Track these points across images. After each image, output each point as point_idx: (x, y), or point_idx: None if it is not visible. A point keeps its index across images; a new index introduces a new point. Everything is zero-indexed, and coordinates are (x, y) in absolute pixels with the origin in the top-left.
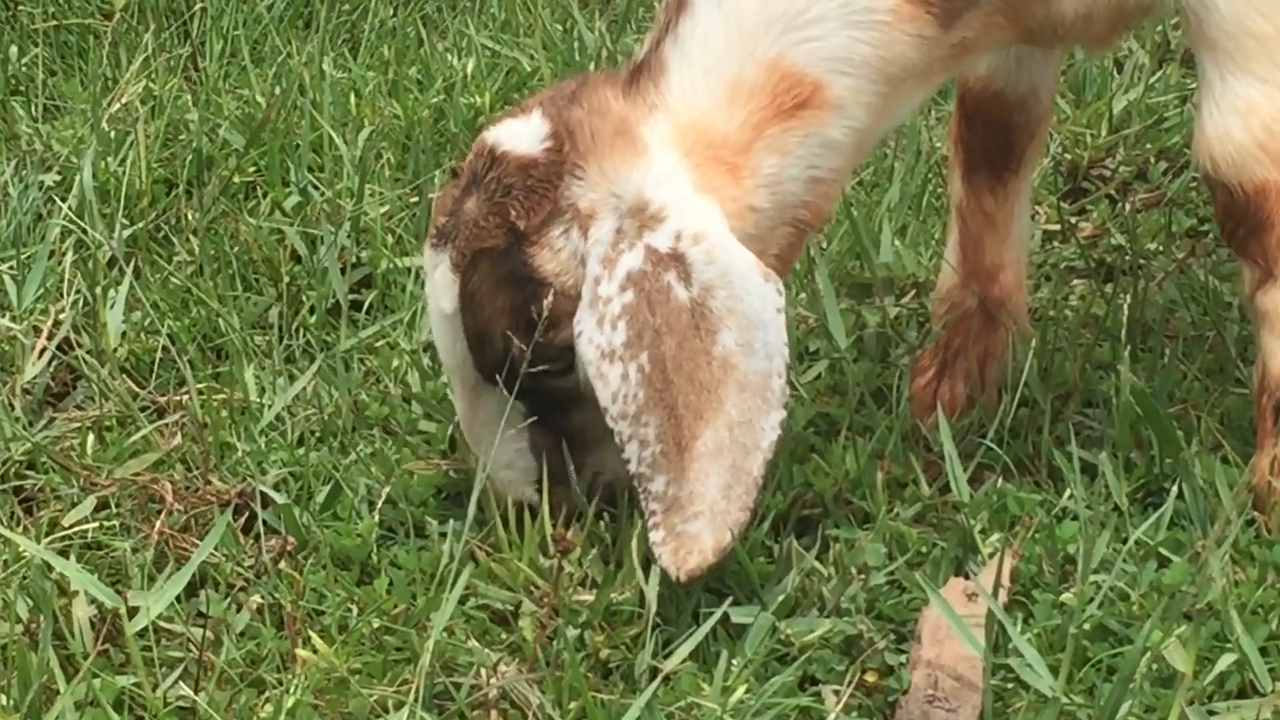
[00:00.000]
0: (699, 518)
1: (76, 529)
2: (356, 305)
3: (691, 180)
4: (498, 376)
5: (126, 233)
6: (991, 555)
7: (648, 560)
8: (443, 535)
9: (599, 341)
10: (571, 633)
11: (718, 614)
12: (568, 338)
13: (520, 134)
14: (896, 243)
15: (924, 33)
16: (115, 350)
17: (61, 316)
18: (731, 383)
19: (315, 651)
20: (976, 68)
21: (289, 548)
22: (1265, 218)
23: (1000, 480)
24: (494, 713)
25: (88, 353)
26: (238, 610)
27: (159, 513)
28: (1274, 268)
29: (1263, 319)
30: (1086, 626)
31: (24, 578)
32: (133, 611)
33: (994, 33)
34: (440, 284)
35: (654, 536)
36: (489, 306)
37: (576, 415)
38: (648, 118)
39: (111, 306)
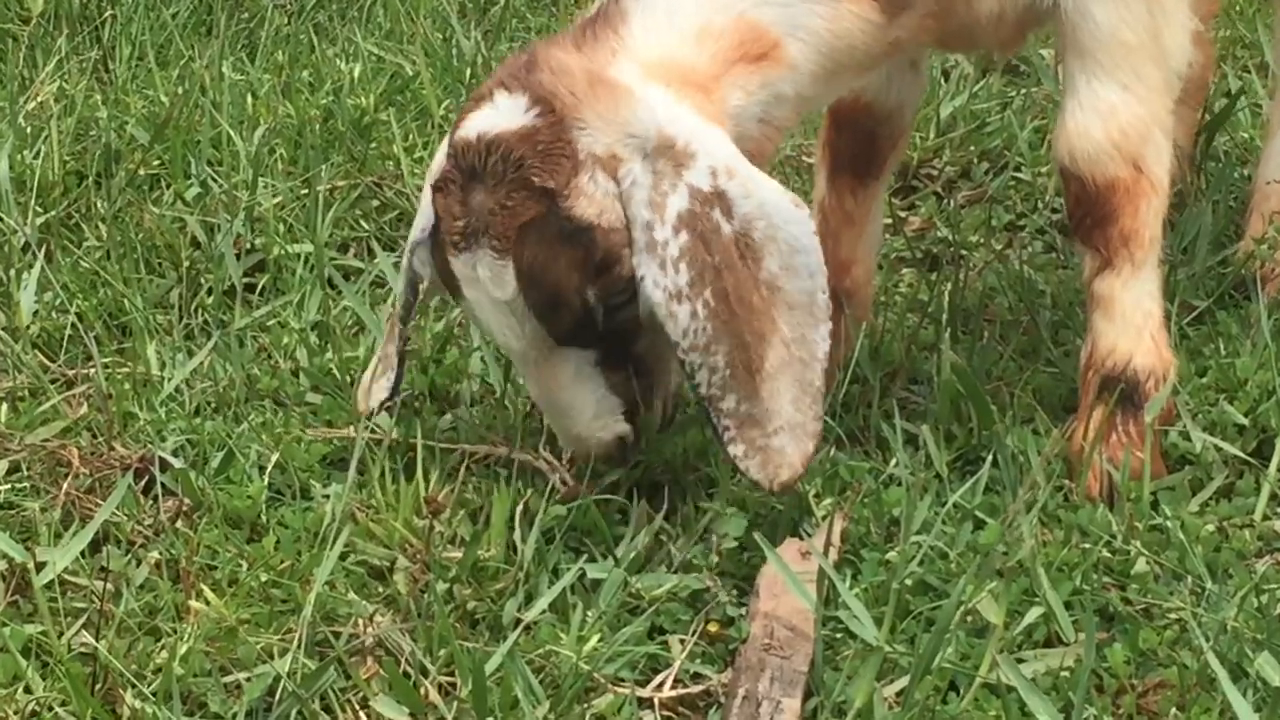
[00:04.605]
0: (780, 433)
1: None
2: (250, 288)
3: (687, 107)
4: (571, 335)
5: (39, 220)
6: (824, 518)
7: (514, 521)
8: (326, 498)
9: (664, 284)
10: (441, 587)
11: (575, 570)
12: (627, 269)
13: (500, 116)
14: None
15: (869, 18)
16: (28, 327)
17: None
18: (780, 304)
19: (207, 603)
20: None
21: (185, 508)
22: (1111, 210)
23: (833, 450)
24: (370, 659)
25: (2, 329)
26: (137, 565)
27: (66, 476)
28: (1113, 257)
29: (1097, 302)
30: (908, 582)
31: None
32: (40, 566)
33: (922, 35)
34: (490, 276)
35: (734, 450)
36: (553, 269)
37: (639, 344)
38: (611, 62)
39: (24, 287)
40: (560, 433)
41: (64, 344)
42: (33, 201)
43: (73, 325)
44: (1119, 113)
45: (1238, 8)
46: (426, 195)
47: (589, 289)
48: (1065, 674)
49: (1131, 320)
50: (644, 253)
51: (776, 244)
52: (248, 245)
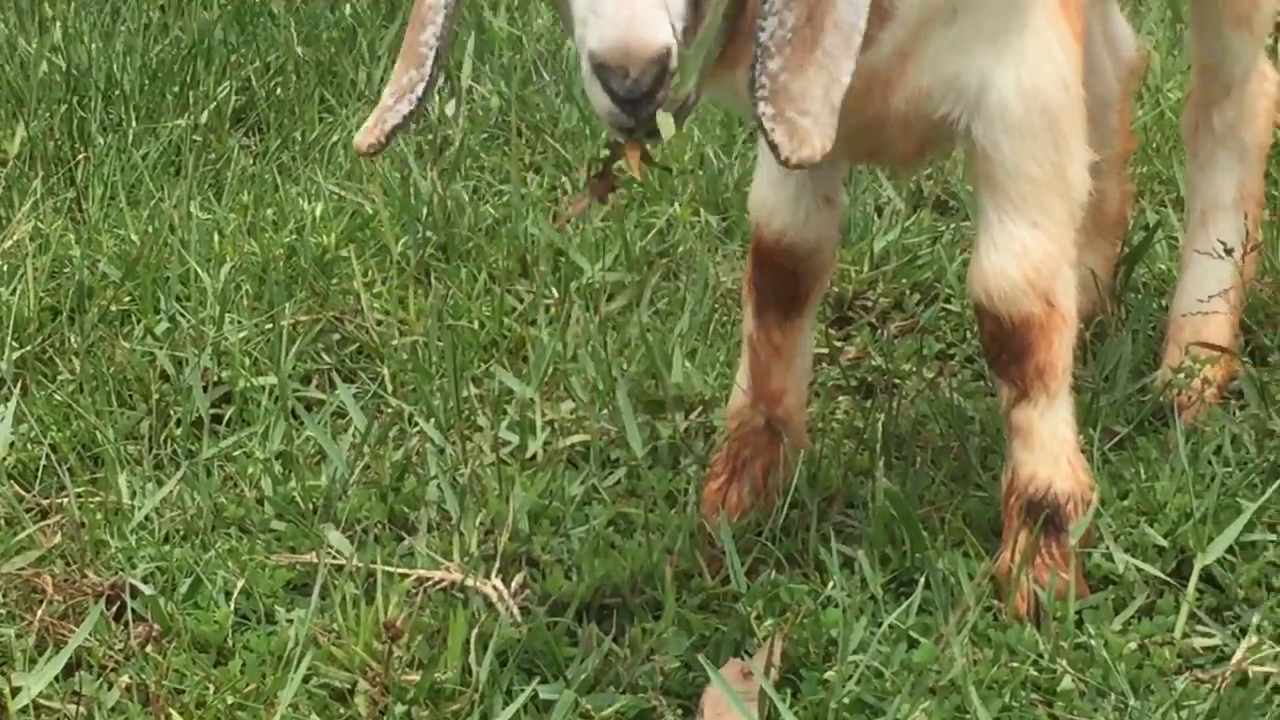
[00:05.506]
0: (808, 115)
1: None
2: (217, 419)
3: None
4: None
5: (15, 355)
6: (765, 639)
7: (469, 644)
8: (289, 622)
9: None
10: (400, 709)
11: (528, 691)
12: None
13: None
14: (687, 365)
15: None
16: (3, 459)
17: None
18: (830, 18)
19: None
20: (771, 222)
21: (155, 634)
22: (1027, 345)
23: (773, 573)
24: None
25: None
26: (109, 689)
27: (40, 603)
28: (1030, 389)
29: (1016, 432)
30: (846, 701)
31: None
32: (15, 691)
33: (845, 117)
34: None
35: (763, 109)
36: None
37: None
38: None
39: (0, 420)
40: (606, 26)
41: (39, 474)
42: (9, 337)
43: (47, 456)
44: (1031, 251)
45: (1154, 145)
46: None
47: None
48: None
49: (1049, 448)
50: None
51: None
52: (215, 378)
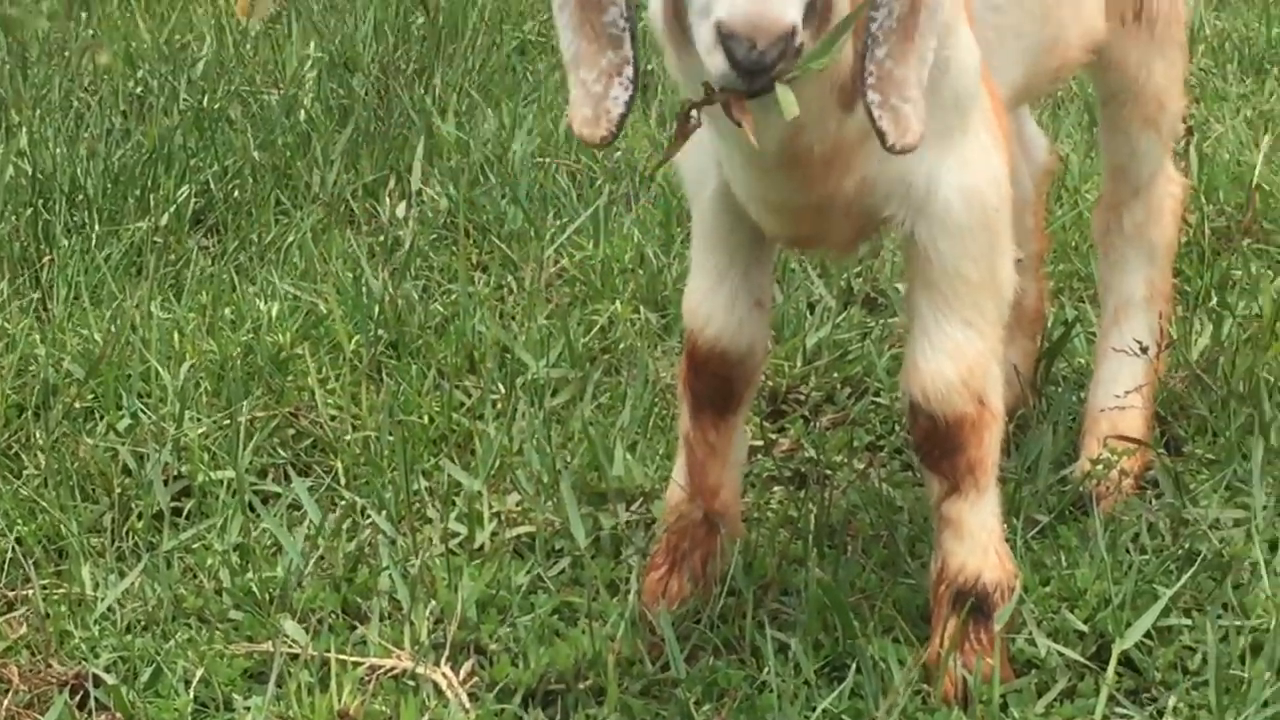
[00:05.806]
0: (909, 101)
1: None
2: (177, 512)
3: None
4: None
5: None
6: None
7: None
8: (247, 709)
9: None
10: None
11: None
12: None
13: None
14: (628, 458)
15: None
16: None
17: None
18: (925, 9)
19: None
20: (706, 329)
21: None
22: (959, 443)
23: (711, 659)
24: None
25: None
26: None
27: (6, 692)
28: (960, 483)
29: (946, 524)
30: None
31: None
32: None
33: (804, 189)
34: None
35: (871, 97)
36: None
37: None
38: None
39: None
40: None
41: (4, 567)
42: None
43: (13, 549)
44: (965, 351)
45: (1073, 243)
46: None
47: None
48: None
49: (978, 540)
50: None
51: None
52: (175, 472)
